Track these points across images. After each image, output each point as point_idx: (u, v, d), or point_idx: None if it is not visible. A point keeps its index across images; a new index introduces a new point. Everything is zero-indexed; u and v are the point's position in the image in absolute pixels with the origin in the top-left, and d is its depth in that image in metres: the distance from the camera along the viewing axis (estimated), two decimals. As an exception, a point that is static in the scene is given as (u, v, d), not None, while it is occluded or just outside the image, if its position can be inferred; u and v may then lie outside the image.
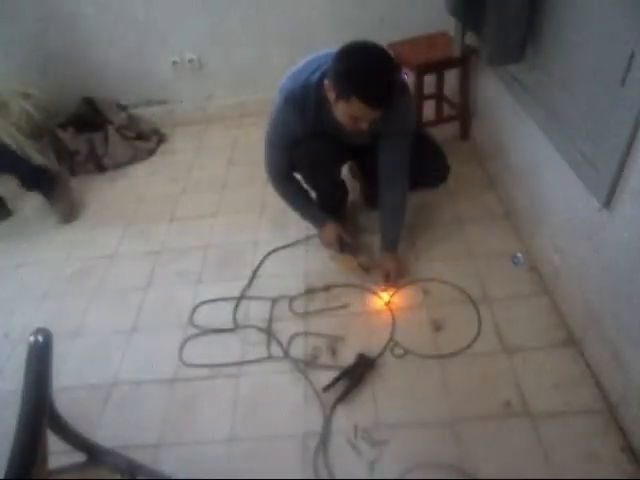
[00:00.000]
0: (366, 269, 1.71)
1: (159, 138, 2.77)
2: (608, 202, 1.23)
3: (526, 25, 1.49)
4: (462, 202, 2.05)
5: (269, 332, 1.62)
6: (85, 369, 1.60)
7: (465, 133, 2.40)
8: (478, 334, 1.53)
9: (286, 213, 1.91)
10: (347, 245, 1.73)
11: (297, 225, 1.97)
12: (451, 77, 2.37)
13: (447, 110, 2.46)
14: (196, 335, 1.66)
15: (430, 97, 2.45)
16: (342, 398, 1.40)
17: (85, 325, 1.76)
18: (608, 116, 1.18)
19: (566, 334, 1.49)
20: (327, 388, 1.42)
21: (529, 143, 1.71)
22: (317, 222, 1.79)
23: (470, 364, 1.46)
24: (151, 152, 2.69)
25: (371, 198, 1.94)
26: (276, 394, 1.45)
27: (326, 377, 1.45)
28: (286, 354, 1.55)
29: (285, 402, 1.43)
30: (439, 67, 2.25)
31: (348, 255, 1.73)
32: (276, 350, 1.57)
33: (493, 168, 2.12)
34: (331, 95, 1.38)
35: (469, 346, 1.50)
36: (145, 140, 2.68)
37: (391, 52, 1.46)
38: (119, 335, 1.70)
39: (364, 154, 1.76)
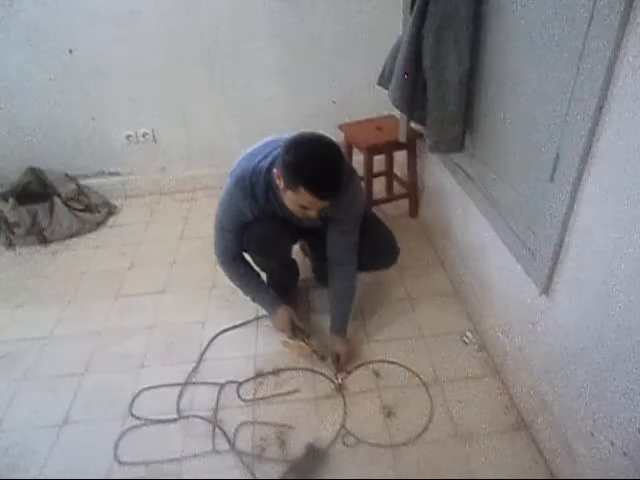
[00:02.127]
0: (321, 356, 1.68)
1: (109, 210, 2.71)
2: (547, 289, 1.28)
3: (463, 121, 1.60)
4: (412, 280, 2.08)
5: (214, 422, 1.53)
6: (2, 473, 1.44)
7: (414, 210, 2.49)
8: (430, 420, 1.50)
9: (236, 291, 1.87)
10: (300, 330, 1.70)
11: (248, 304, 1.92)
12: (400, 156, 2.49)
13: (397, 188, 2.56)
14: (135, 427, 1.54)
15: (380, 174, 2.55)
16: (290, 497, 1.31)
17: (7, 419, 1.60)
18: (541, 208, 1.26)
19: (517, 418, 1.49)
20: (275, 485, 1.33)
21: (474, 226, 1.79)
22: (268, 306, 1.76)
23: (423, 453, 1.41)
24: (100, 224, 2.62)
25: (321, 277, 1.94)
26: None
27: (275, 472, 1.37)
28: (232, 447, 1.45)
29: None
30: (388, 148, 2.36)
31: (300, 341, 1.69)
32: (221, 442, 1.47)
33: (442, 246, 2.19)
34: (280, 183, 1.40)
35: (421, 434, 1.46)
36: (94, 212, 2.61)
37: (341, 136, 1.54)
38: (47, 430, 1.55)
39: (314, 234, 1.78)
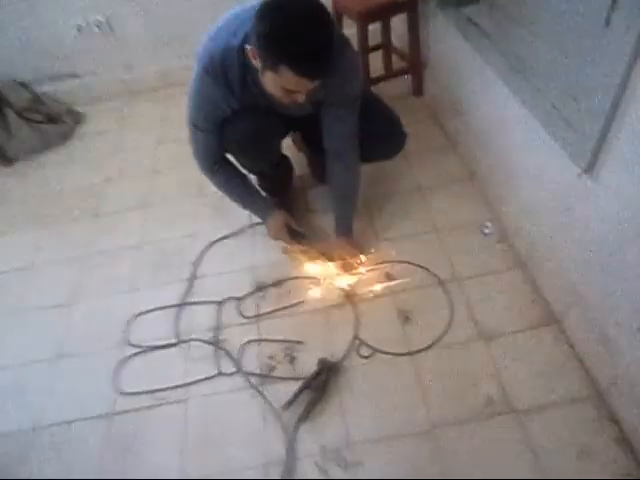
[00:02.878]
0: (330, 258, 1.51)
1: (74, 119, 2.41)
2: (590, 167, 1.06)
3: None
4: (421, 167, 1.85)
5: (217, 344, 1.41)
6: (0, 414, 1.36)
7: (418, 88, 2.17)
8: (450, 322, 1.37)
9: (225, 198, 1.66)
10: (299, 234, 1.52)
11: (238, 212, 1.73)
12: (399, 25, 2.11)
13: (397, 63, 2.21)
14: (133, 355, 1.43)
15: (376, 48, 2.19)
16: (305, 415, 1.22)
17: (-1, 357, 1.50)
18: (588, 65, 0.99)
19: (545, 312, 1.35)
20: (287, 405, 1.24)
21: (492, 97, 1.51)
22: (260, 212, 1.56)
23: (445, 358, 1.30)
24: (67, 136, 2.34)
25: (319, 172, 1.71)
26: (230, 418, 1.26)
27: (286, 391, 1.27)
28: (238, 368, 1.35)
29: (241, 427, 1.24)
30: (384, 13, 1.98)
31: (302, 246, 1.52)
32: (227, 364, 1.37)
33: (452, 127, 1.92)
34: (257, 64, 1.12)
35: (441, 337, 1.34)
36: (57, 122, 2.32)
37: (327, 2, 1.22)
38: (41, 365, 1.45)
39: (306, 124, 1.52)
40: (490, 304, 1.40)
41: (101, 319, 1.54)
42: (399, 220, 1.67)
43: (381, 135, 1.47)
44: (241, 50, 1.21)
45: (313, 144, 1.69)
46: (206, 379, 1.34)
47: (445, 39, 1.85)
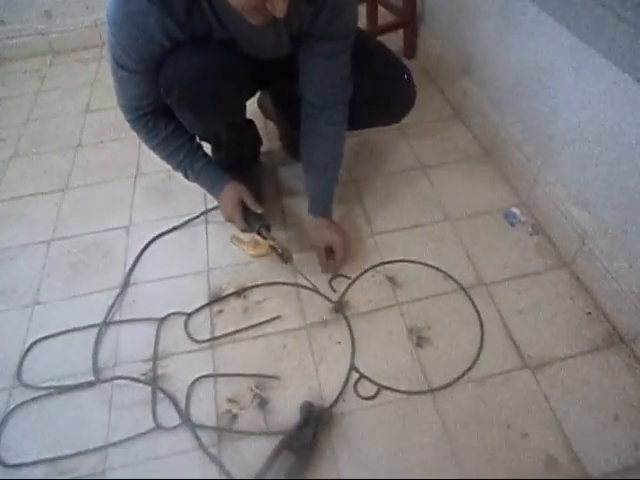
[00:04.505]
0: (282, 255, 1.08)
1: (-23, 79, 1.89)
2: None
3: None
4: (421, 141, 1.47)
5: (154, 382, 0.98)
6: None
7: (411, 48, 1.79)
8: (481, 343, 1.00)
9: (174, 177, 1.23)
10: (255, 217, 1.10)
11: (191, 195, 1.30)
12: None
13: (384, 16, 1.82)
14: (28, 402, 0.98)
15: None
16: (286, 493, 0.82)
17: None
18: None
19: (607, 329, 1.00)
20: (259, 478, 0.83)
21: (524, 44, 1.14)
22: (211, 186, 1.13)
23: (479, 396, 0.93)
24: (-36, 101, 1.82)
25: (294, 146, 1.30)
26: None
27: (255, 451, 0.87)
28: (184, 419, 0.93)
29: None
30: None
31: (256, 233, 1.09)
32: (168, 413, 0.94)
33: (458, 92, 1.54)
34: None
35: (471, 366, 0.97)
36: (-48, 83, 1.80)
37: None
38: None
39: (280, 77, 1.11)
40: (531, 318, 1.03)
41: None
42: (399, 206, 1.29)
43: (383, 88, 1.08)
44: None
45: (288, 108, 1.28)
46: (136, 437, 0.91)
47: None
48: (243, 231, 1.12)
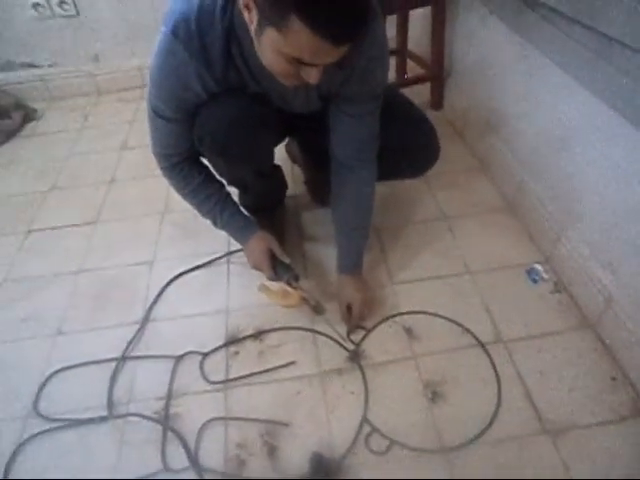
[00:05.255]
0: (315, 307, 1.10)
1: (25, 115, 2.01)
2: None
3: None
4: (445, 193, 1.49)
5: (166, 422, 0.99)
6: None
7: (438, 99, 1.84)
8: (499, 403, 0.97)
9: (199, 216, 1.26)
10: (284, 268, 1.11)
11: (215, 234, 1.33)
12: (416, 23, 1.79)
13: (412, 69, 1.88)
14: (42, 433, 0.99)
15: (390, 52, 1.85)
16: None
17: None
18: None
19: (631, 395, 0.97)
20: (262, 531, 0.81)
21: (551, 107, 1.16)
22: (239, 233, 1.16)
23: (494, 458, 0.90)
24: (12, 134, 1.93)
25: (320, 193, 1.33)
26: None
27: (261, 504, 0.85)
28: (192, 462, 0.92)
29: None
30: (404, 4, 1.64)
31: (285, 284, 1.11)
32: (177, 454, 0.94)
33: (484, 145, 1.56)
34: (251, 18, 0.74)
35: (488, 427, 0.94)
36: (3, 118, 1.92)
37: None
38: None
39: (309, 125, 1.15)
40: (551, 380, 1.00)
41: (5, 374, 1.10)
42: (419, 257, 1.29)
43: (409, 144, 1.10)
44: (225, 9, 0.84)
45: (315, 155, 1.33)
46: (146, 477, 0.91)
47: (479, 37, 1.52)
48: (270, 279, 1.13)
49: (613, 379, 1.00)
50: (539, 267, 1.21)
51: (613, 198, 1.00)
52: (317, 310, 1.09)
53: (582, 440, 0.91)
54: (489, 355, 1.05)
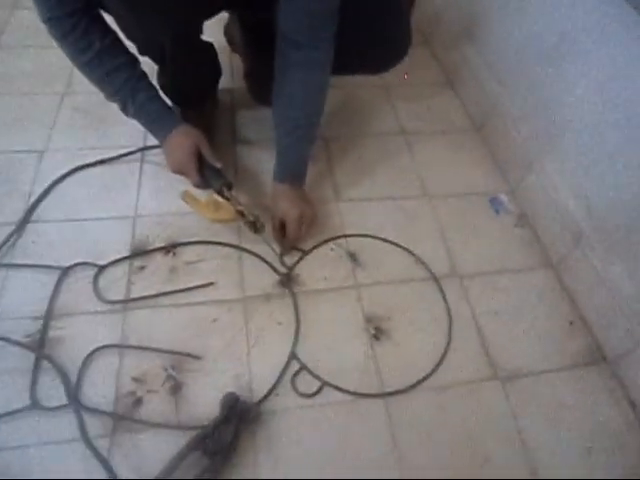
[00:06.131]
0: (253, 223, 0.88)
1: None
2: None
3: None
4: (406, 105, 1.29)
5: (40, 347, 0.77)
6: None
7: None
8: (448, 345, 0.85)
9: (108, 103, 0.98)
10: (213, 172, 0.88)
11: (127, 125, 1.05)
12: None
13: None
14: None
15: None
16: (188, 507, 0.65)
17: None
18: None
19: (589, 343, 0.88)
20: (156, 484, 0.65)
21: (544, 8, 0.97)
22: (157, 124, 0.90)
23: (439, 406, 0.78)
24: None
25: (263, 89, 1.08)
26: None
27: (157, 448, 0.68)
28: (72, 398, 0.73)
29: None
30: None
31: (214, 193, 0.89)
32: (52, 388, 0.74)
33: (454, 54, 1.36)
34: None
35: (434, 371, 0.81)
36: None
37: None
38: None
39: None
40: (506, 322, 0.89)
41: None
42: (372, 174, 1.11)
43: (377, 29, 0.88)
44: None
45: (258, 37, 1.07)
46: (5, 415, 0.71)
47: None
48: (196, 187, 0.90)
49: (571, 323, 0.90)
50: (504, 197, 1.07)
51: (603, 124, 0.85)
52: (255, 227, 0.88)
53: (533, 387, 0.81)
54: (442, 290, 0.91)
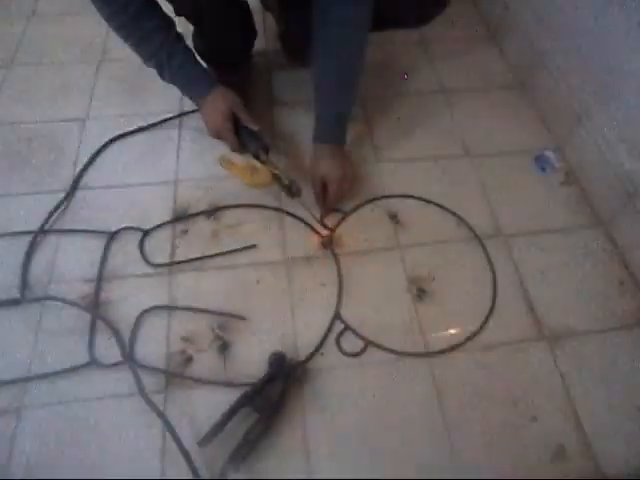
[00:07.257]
0: (289, 187, 0.87)
1: None
2: None
3: None
4: (446, 63, 1.24)
5: (94, 308, 0.81)
6: None
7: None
8: (493, 306, 0.84)
9: (145, 69, 0.98)
10: (250, 135, 0.88)
11: (164, 92, 1.05)
12: None
13: None
14: (-62, 316, 0.80)
15: None
16: (240, 457, 0.67)
17: None
18: None
19: (638, 303, 0.85)
20: (209, 438, 0.68)
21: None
22: (193, 87, 0.90)
23: (484, 365, 0.78)
24: None
25: (299, 50, 1.06)
26: (106, 446, 0.69)
27: (208, 404, 0.71)
28: (126, 356, 0.76)
29: (123, 468, 0.68)
30: None
31: (252, 157, 0.88)
32: (107, 347, 0.77)
33: (498, 5, 1.29)
34: None
35: (478, 331, 0.81)
36: None
37: None
38: None
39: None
40: (553, 281, 0.87)
41: None
42: (411, 133, 1.08)
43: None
44: None
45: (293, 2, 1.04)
46: (65, 372, 0.74)
47: None
48: (234, 151, 0.90)
49: (621, 283, 0.87)
50: (550, 154, 1.03)
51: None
52: (292, 191, 0.88)
53: (581, 348, 0.80)
54: (485, 250, 0.90)
